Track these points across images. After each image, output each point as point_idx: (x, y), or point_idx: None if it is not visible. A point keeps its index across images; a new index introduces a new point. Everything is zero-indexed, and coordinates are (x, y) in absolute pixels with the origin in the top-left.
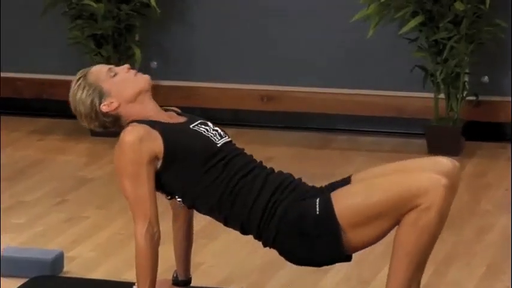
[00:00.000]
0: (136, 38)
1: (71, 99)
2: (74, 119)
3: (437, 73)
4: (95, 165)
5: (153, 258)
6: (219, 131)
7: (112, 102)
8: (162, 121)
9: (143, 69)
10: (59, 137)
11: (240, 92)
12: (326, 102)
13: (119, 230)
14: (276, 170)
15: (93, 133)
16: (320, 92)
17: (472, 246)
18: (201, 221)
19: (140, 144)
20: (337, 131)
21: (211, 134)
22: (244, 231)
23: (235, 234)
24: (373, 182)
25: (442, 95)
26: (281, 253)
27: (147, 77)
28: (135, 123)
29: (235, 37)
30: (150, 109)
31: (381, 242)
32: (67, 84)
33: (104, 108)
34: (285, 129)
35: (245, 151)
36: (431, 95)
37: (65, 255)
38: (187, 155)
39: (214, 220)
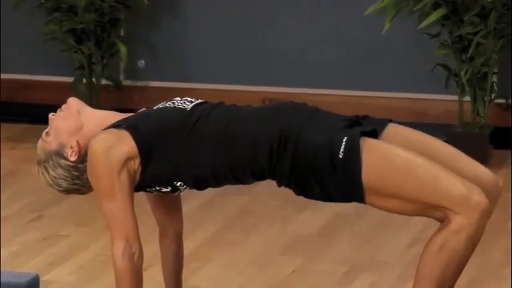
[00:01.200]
0: (122, 33)
1: (54, 188)
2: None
3: (462, 73)
4: None
5: (135, 282)
6: (189, 98)
7: (71, 147)
8: (126, 117)
9: (129, 68)
10: (33, 145)
11: (239, 95)
12: (335, 106)
13: (101, 251)
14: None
15: None
16: (329, 95)
17: (501, 269)
18: (192, 241)
19: (107, 153)
20: None
21: (179, 104)
22: (258, 175)
23: (230, 256)
24: (413, 162)
25: (467, 98)
26: (297, 192)
27: (70, 99)
28: (100, 132)
29: (234, 33)
30: (104, 117)
31: (398, 264)
32: (43, 86)
33: (73, 156)
34: None
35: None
36: (455, 97)
37: (41, 278)
38: (161, 136)
39: (208, 241)
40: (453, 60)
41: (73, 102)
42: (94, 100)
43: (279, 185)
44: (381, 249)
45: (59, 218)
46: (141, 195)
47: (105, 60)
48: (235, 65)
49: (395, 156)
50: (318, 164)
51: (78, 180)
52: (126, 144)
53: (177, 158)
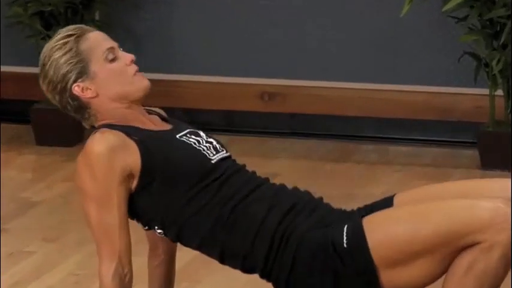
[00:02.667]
0: (97, 17)
1: (45, 51)
2: (14, 123)
3: (494, 62)
4: (43, 183)
5: None
6: (214, 143)
7: (89, 89)
8: (142, 127)
9: None
10: None
11: (234, 88)
12: (347, 101)
13: (74, 269)
14: (290, 187)
15: (39, 141)
16: (338, 88)
17: None
18: (181, 258)
19: (111, 157)
20: (362, 138)
21: (204, 147)
22: (247, 269)
23: (223, 275)
24: (419, 208)
25: (499, 92)
26: None
27: (146, 83)
28: (105, 129)
29: (228, 18)
30: (131, 113)
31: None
32: (5, 78)
33: (76, 90)
34: (292, 136)
35: (247, 168)
36: (486, 91)
37: None
38: (171, 174)
39: (199, 257)
40: (483, 47)
41: (145, 87)
42: None
43: (275, 287)
44: None
45: (24, 231)
46: None
47: None
48: (228, 55)
49: (397, 213)
50: (322, 264)
51: (50, 84)
52: (132, 158)
53: (172, 209)
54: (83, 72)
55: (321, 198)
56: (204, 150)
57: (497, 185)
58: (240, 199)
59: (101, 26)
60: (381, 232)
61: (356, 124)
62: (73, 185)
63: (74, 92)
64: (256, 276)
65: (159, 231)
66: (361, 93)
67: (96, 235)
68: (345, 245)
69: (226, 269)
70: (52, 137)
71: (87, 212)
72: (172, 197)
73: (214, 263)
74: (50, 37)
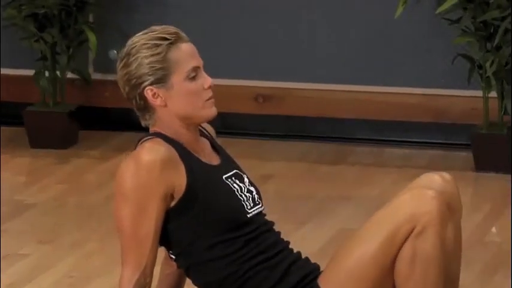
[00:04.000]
0: (91, 18)
1: (136, 42)
2: (8, 126)
3: (487, 64)
4: (37, 186)
5: None
6: (254, 193)
7: (160, 97)
8: (193, 153)
9: (99, 59)
10: None
11: (229, 90)
12: (341, 103)
13: (68, 272)
14: (302, 254)
15: (33, 144)
16: (333, 90)
17: None
18: None
19: (161, 170)
20: (357, 140)
21: (244, 197)
22: None
23: None
24: (350, 240)
25: (493, 93)
26: None
27: (214, 111)
28: (160, 140)
29: (223, 19)
30: (188, 135)
31: None
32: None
33: (148, 92)
34: (287, 138)
35: (274, 226)
36: (479, 93)
37: None
38: (208, 212)
39: None
40: (477, 49)
41: (212, 114)
42: (58, 96)
43: None
44: None
45: (19, 233)
46: None
47: (71, 50)
48: (223, 57)
49: (335, 257)
50: None
51: (127, 80)
52: (179, 179)
53: (195, 244)
54: (161, 80)
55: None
56: (243, 200)
57: (410, 190)
58: (259, 262)
59: (94, 28)
60: (335, 281)
61: (351, 126)
62: (67, 188)
63: (145, 93)
64: None
65: (172, 256)
66: (356, 95)
67: (126, 242)
68: None
69: None
70: (46, 140)
71: (121, 217)
72: (200, 235)
73: None
74: (43, 39)
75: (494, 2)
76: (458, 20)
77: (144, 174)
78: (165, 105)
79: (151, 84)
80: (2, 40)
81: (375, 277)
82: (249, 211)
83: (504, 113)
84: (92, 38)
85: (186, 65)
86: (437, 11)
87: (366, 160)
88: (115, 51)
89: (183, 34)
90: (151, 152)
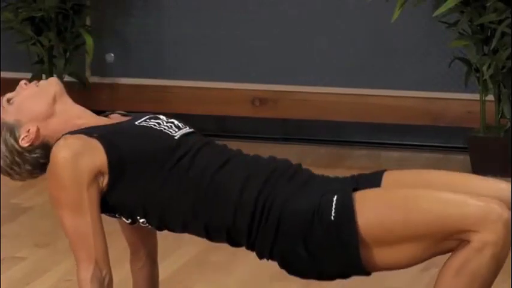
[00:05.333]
0: (88, 21)
1: None
2: None
3: (484, 68)
4: (33, 189)
5: None
6: (176, 122)
7: (29, 130)
8: (99, 125)
9: (96, 63)
10: None
11: (226, 94)
12: (337, 106)
13: (64, 275)
14: (264, 157)
15: None
16: (330, 93)
17: None
18: (172, 263)
19: (76, 162)
20: (353, 143)
21: (165, 127)
22: (233, 242)
23: (214, 281)
24: (413, 195)
25: (490, 97)
26: (282, 265)
27: (52, 79)
28: (66, 135)
29: (220, 23)
30: (78, 115)
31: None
32: None
33: (24, 141)
34: (283, 141)
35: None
36: (476, 96)
37: None
38: (138, 160)
39: (191, 262)
40: (474, 53)
41: (52, 85)
42: None
43: (260, 258)
44: (391, 274)
45: (14, 237)
46: None
47: (68, 54)
48: (220, 60)
49: (391, 195)
50: (306, 233)
51: (16, 166)
52: (97, 157)
53: (149, 193)
54: (11, 130)
55: (299, 165)
56: (165, 129)
57: (489, 184)
58: (215, 171)
59: (91, 32)
60: (371, 211)
61: (348, 129)
62: None
63: (25, 144)
64: (247, 281)
65: (141, 220)
66: (352, 98)
67: (72, 241)
68: (332, 218)
69: (219, 275)
70: None
71: (61, 220)
72: (146, 183)
73: (207, 268)
74: (40, 42)
75: (491, 5)
76: (455, 24)
77: (64, 173)
78: (37, 128)
79: (16, 140)
80: (1, 43)
81: (404, 238)
82: (175, 134)
83: (501, 116)
84: (89, 41)
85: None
86: (434, 14)
87: (363, 163)
88: (112, 55)
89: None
90: (61, 148)
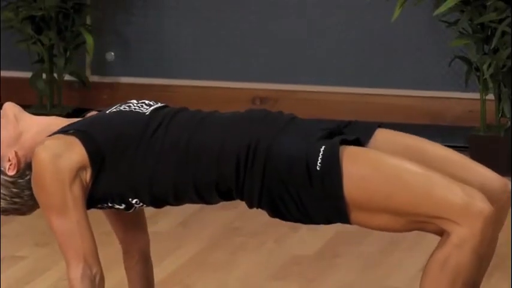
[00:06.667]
0: (88, 20)
1: None
2: None
3: (485, 67)
4: None
5: None
6: (147, 101)
7: (9, 159)
8: (73, 122)
9: (97, 62)
10: None
11: (226, 93)
12: (338, 105)
13: (64, 275)
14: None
15: None
16: (330, 92)
17: None
18: (171, 263)
19: (56, 161)
20: None
21: (136, 107)
22: (223, 194)
23: (214, 280)
24: (402, 168)
25: (490, 96)
26: (271, 213)
27: (5, 104)
28: (45, 138)
29: (220, 23)
30: (46, 123)
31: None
32: None
33: (11, 170)
34: None
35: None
36: (477, 95)
37: None
38: (115, 144)
39: (191, 262)
40: (474, 52)
41: (9, 108)
42: (56, 99)
43: (250, 206)
44: (390, 273)
45: (15, 236)
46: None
47: (68, 53)
48: (220, 59)
49: (380, 163)
50: (292, 178)
51: (18, 198)
52: (76, 152)
53: (133, 171)
54: None
55: (280, 111)
56: (135, 109)
57: (477, 172)
58: (192, 132)
59: (91, 31)
60: (357, 172)
61: None
62: None
63: (13, 173)
64: (247, 280)
65: (134, 201)
66: (352, 97)
67: (60, 241)
68: (317, 167)
69: (218, 274)
70: None
71: (49, 222)
72: (128, 165)
73: (207, 268)
74: (41, 41)
75: (492, 4)
76: (455, 23)
77: (45, 176)
78: (16, 152)
79: (3, 173)
80: (1, 42)
81: (384, 209)
82: (145, 111)
83: (501, 116)
84: (89, 40)
85: None
86: (435, 14)
87: None
88: (112, 54)
89: None
90: (41, 152)
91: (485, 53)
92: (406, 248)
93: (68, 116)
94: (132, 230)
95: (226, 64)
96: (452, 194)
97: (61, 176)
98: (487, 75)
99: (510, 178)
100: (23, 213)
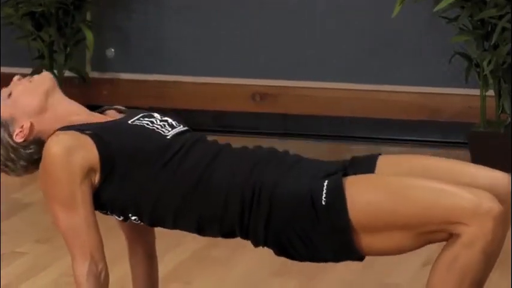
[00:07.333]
0: (88, 17)
1: None
2: None
3: (485, 63)
4: (34, 185)
5: None
6: (170, 120)
7: (23, 125)
8: (92, 122)
9: (97, 58)
10: None
11: (226, 89)
12: (338, 101)
13: (65, 271)
14: (250, 147)
15: None
16: (329, 89)
17: None
18: (172, 259)
19: (69, 157)
20: (353, 138)
21: (158, 126)
22: (226, 233)
23: (214, 276)
24: (405, 183)
25: (490, 92)
26: (278, 251)
27: (45, 74)
28: (59, 131)
29: (220, 18)
30: (71, 111)
31: (411, 287)
32: None
33: (18, 137)
34: (284, 136)
35: (207, 138)
36: (477, 91)
37: None
38: (129, 159)
39: (191, 259)
40: (474, 48)
41: (45, 80)
42: None
43: (255, 245)
44: (391, 270)
45: (16, 232)
46: None
47: (68, 49)
48: (219, 54)
49: (383, 183)
50: (298, 217)
51: (11, 163)
52: (89, 152)
53: (141, 190)
54: (5, 126)
55: (287, 151)
56: (157, 128)
57: (483, 174)
58: (204, 167)
59: (91, 27)
60: (362, 197)
61: (348, 125)
62: None
63: (19, 139)
64: (247, 276)
65: (133, 217)
66: (352, 93)
67: (66, 237)
68: (323, 202)
69: (219, 270)
70: None
71: (54, 215)
72: (137, 181)
73: (207, 264)
74: (41, 38)
75: (492, 0)
76: (455, 19)
77: (57, 169)
78: (31, 123)
79: (11, 136)
80: (1, 38)
81: (394, 227)
82: (167, 134)
83: (501, 112)
84: (89, 36)
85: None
86: (435, 10)
87: None
88: (112, 50)
89: None
90: (54, 144)
91: (485, 49)
92: None
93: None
94: (139, 228)
95: (225, 60)
96: (459, 197)
97: (73, 171)
98: (487, 72)
99: (511, 174)
100: (7, 174)
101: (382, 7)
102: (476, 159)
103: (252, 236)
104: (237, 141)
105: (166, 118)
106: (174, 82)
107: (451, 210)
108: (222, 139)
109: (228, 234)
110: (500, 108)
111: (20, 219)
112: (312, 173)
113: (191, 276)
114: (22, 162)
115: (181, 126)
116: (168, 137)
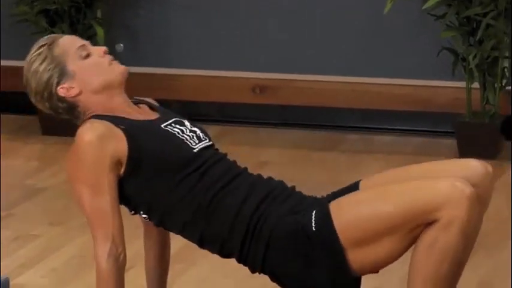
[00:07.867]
0: (99, 14)
1: (25, 66)
2: (20, 114)
3: (470, 57)
4: (48, 171)
5: (118, 286)
6: (198, 132)
7: (72, 88)
8: (128, 117)
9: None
10: (2, 136)
11: (228, 82)
12: (333, 93)
13: (78, 252)
14: (266, 177)
15: (45, 131)
16: (325, 81)
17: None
18: (177, 240)
19: (101, 145)
20: (347, 128)
21: (187, 137)
22: (225, 254)
23: (218, 258)
24: (381, 190)
25: (476, 85)
26: (273, 279)
27: (123, 68)
28: (94, 120)
29: (220, 13)
30: (117, 103)
31: (401, 268)
32: (12, 72)
33: (61, 91)
34: (282, 126)
35: (228, 157)
36: (463, 84)
37: (11, 282)
38: (155, 162)
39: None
40: (460, 43)
41: (118, 73)
42: None
43: (252, 272)
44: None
45: (30, 216)
46: None
47: None
48: (222, 49)
49: (362, 196)
50: (293, 248)
51: (39, 96)
52: (120, 146)
53: (157, 194)
54: (62, 74)
55: (293, 187)
56: (186, 139)
57: (456, 165)
58: (219, 189)
59: (102, 23)
60: (346, 214)
61: (342, 115)
62: None
63: (60, 94)
64: None
65: (144, 216)
66: (347, 86)
67: (90, 219)
68: (313, 229)
69: None
70: (57, 127)
71: (80, 197)
72: (157, 184)
73: None
74: (54, 34)
75: None
76: (443, 16)
77: (88, 154)
78: (81, 92)
79: (58, 83)
80: (16, 34)
81: (381, 233)
82: (194, 147)
83: (486, 103)
84: (100, 32)
85: (72, 49)
86: (424, 7)
87: (357, 147)
88: (121, 45)
89: (57, 35)
90: (88, 131)
91: (470, 45)
92: None
93: None
94: None
95: (228, 55)
96: (434, 187)
97: (103, 158)
98: (472, 65)
99: (510, 168)
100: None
101: (375, 4)
102: (463, 148)
103: (249, 264)
104: (237, 131)
105: (195, 129)
106: (179, 75)
107: (428, 200)
108: (224, 128)
109: (226, 256)
110: (485, 100)
111: (34, 203)
112: (306, 207)
113: (196, 257)
114: (47, 104)
115: (207, 140)
116: (195, 151)
